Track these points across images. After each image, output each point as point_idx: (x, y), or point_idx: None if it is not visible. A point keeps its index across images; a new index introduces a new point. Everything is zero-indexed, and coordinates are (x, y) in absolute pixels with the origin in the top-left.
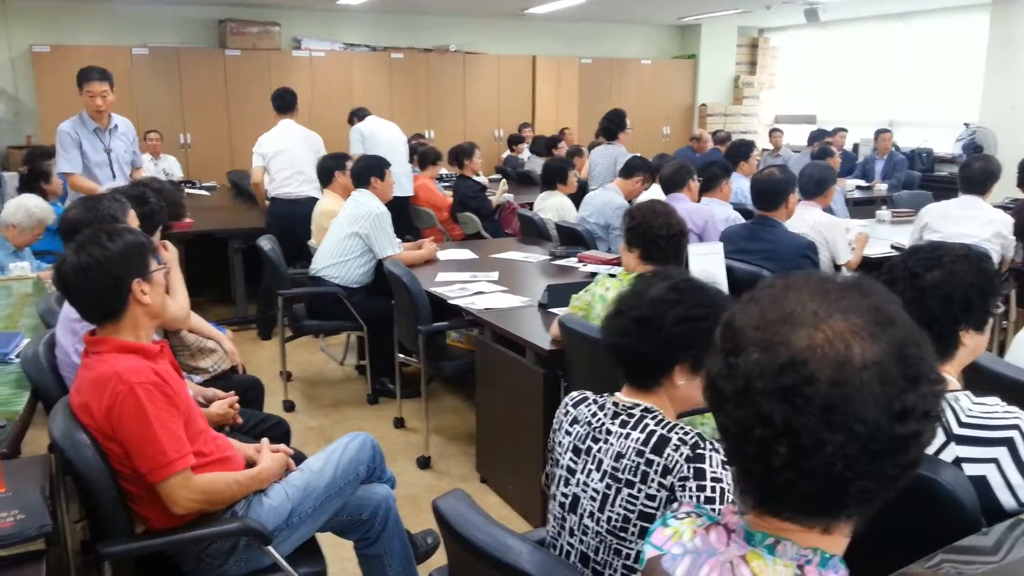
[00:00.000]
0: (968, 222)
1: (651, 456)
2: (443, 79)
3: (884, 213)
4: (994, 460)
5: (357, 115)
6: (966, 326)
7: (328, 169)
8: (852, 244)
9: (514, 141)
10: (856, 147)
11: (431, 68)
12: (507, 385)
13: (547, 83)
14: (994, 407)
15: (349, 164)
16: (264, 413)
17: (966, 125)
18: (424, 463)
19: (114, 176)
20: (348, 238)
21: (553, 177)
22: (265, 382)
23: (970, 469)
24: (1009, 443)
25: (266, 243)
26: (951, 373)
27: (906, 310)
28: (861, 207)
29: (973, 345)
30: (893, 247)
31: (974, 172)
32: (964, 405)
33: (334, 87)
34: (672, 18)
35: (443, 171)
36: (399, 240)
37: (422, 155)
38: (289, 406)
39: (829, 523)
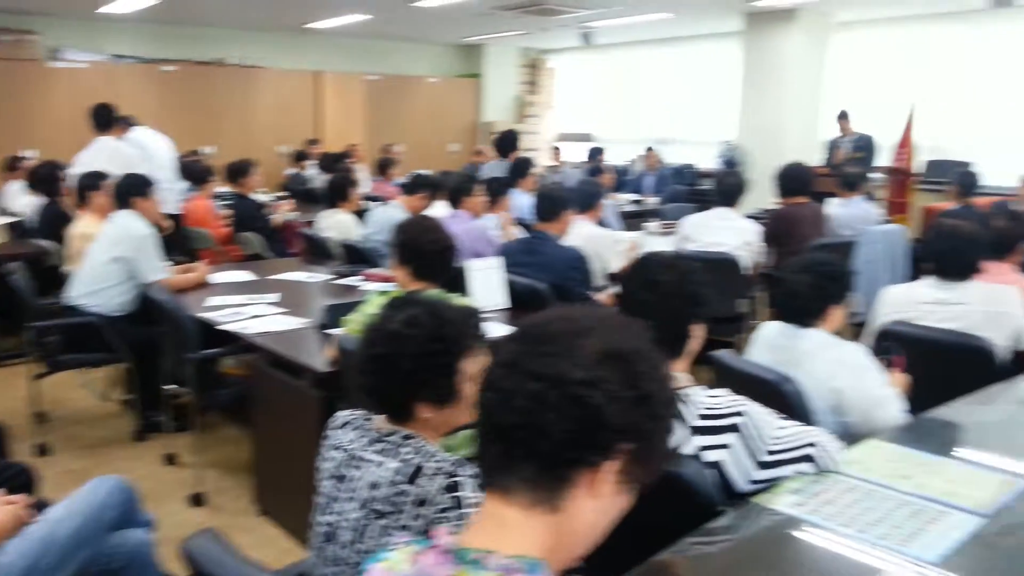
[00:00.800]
0: (722, 232)
1: (405, 486)
2: (221, 93)
3: (653, 225)
4: (726, 446)
5: (124, 123)
6: (695, 320)
7: (81, 188)
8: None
9: (299, 157)
10: (630, 164)
11: (208, 82)
12: (284, 411)
13: (334, 99)
14: (723, 398)
15: (105, 183)
16: (5, 461)
17: (726, 143)
18: (197, 500)
19: None
20: (109, 263)
21: (335, 195)
22: (16, 424)
23: (708, 456)
24: (738, 428)
25: (12, 269)
26: (683, 369)
27: (653, 314)
28: (633, 220)
29: (698, 334)
30: None
31: (727, 186)
32: (698, 399)
33: (98, 101)
34: (456, 38)
35: (222, 189)
36: (168, 263)
37: (192, 172)
38: (43, 450)
39: (551, 494)
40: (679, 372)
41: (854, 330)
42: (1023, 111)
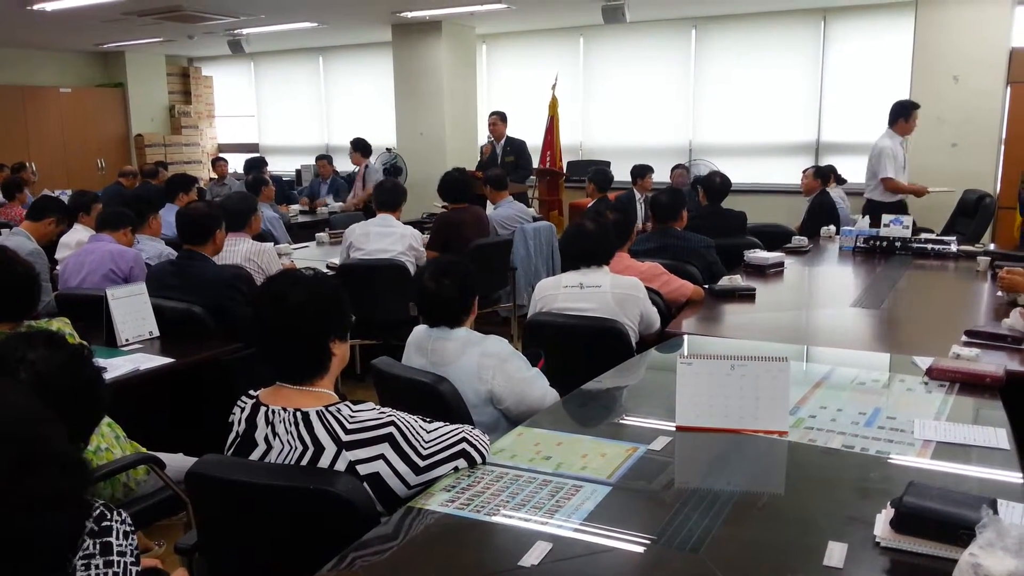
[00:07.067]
0: (385, 238)
1: None
2: None
3: (323, 235)
4: (381, 456)
5: None
6: (333, 336)
7: None
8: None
9: None
10: (299, 172)
11: None
12: None
13: None
14: (370, 411)
15: None
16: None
17: (388, 150)
18: None
19: None
20: None
21: None
22: None
23: (364, 469)
24: (390, 438)
25: None
26: (328, 386)
27: (285, 333)
28: (307, 230)
29: (342, 353)
30: (328, 267)
31: (386, 193)
32: (346, 414)
33: None
34: (90, 45)
35: None
36: None
37: None
38: None
39: None
40: (324, 388)
41: (520, 322)
42: (645, 116)
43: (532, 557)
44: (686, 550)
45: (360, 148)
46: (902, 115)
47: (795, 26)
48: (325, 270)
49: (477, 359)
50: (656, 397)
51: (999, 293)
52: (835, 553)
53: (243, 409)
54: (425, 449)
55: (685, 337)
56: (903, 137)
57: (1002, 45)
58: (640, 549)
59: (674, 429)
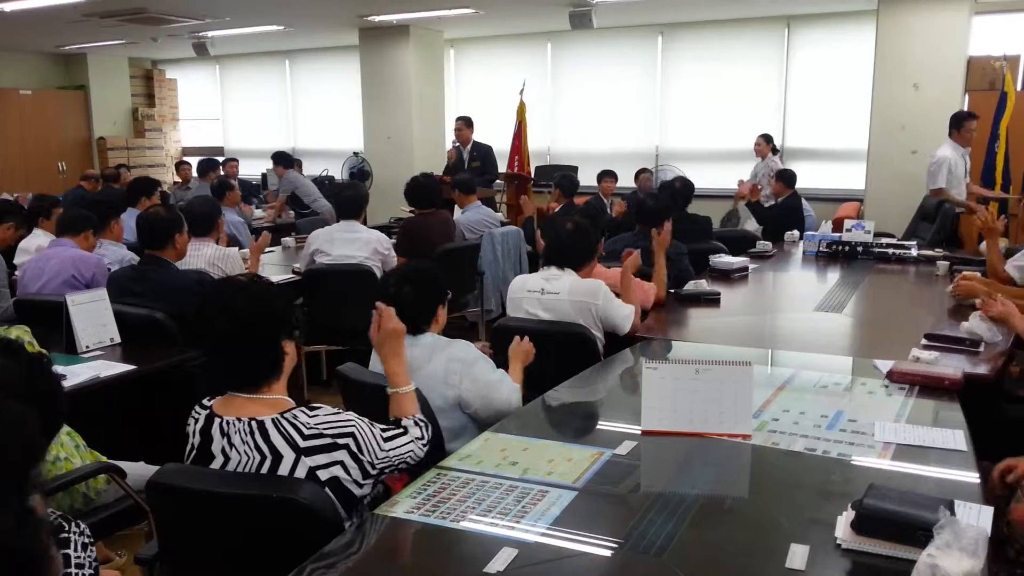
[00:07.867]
0: (350, 244)
1: None
2: None
3: (289, 240)
4: (340, 463)
5: None
6: (284, 336)
7: None
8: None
9: None
10: (264, 176)
11: None
12: None
13: None
14: (328, 417)
15: None
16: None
17: (355, 154)
18: None
19: None
20: None
21: None
22: None
23: (324, 474)
24: (347, 448)
25: None
26: (281, 391)
27: (234, 339)
28: (271, 235)
29: (292, 352)
30: (294, 271)
31: (346, 199)
32: (303, 420)
33: None
34: (51, 46)
35: None
36: None
37: None
38: None
39: None
40: (278, 394)
41: (488, 326)
42: (612, 121)
43: (498, 563)
44: (651, 554)
45: (281, 161)
46: (955, 126)
47: (760, 33)
48: (291, 275)
49: (444, 364)
50: (621, 402)
51: (953, 296)
52: (797, 555)
53: (197, 420)
54: (380, 463)
55: (650, 342)
56: (965, 148)
57: (960, 54)
58: (606, 553)
59: (639, 433)
